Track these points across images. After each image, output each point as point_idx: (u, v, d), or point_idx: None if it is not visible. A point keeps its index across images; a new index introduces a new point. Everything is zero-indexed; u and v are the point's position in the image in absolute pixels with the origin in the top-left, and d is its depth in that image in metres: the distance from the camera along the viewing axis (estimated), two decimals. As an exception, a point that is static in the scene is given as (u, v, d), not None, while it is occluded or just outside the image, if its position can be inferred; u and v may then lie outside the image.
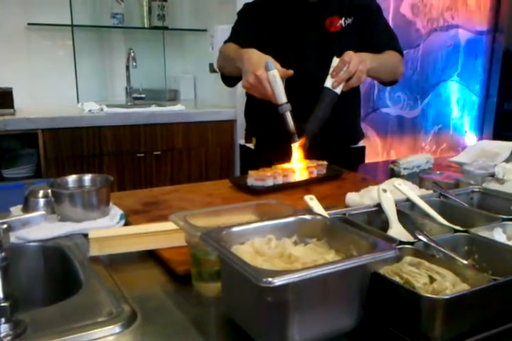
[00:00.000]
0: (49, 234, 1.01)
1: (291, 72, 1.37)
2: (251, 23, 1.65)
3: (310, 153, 1.48)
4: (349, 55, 1.36)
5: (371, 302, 0.69)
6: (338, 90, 1.38)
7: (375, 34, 1.62)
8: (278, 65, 1.35)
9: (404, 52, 3.45)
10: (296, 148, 1.43)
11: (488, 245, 0.83)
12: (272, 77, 1.32)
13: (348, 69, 1.35)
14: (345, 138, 1.69)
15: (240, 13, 1.71)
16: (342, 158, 1.62)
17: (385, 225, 0.95)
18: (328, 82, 1.38)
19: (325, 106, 1.40)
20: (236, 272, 0.62)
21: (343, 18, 1.59)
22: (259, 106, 1.65)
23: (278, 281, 0.57)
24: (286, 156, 1.46)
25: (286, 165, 1.44)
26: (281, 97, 1.35)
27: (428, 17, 4.27)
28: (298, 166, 1.44)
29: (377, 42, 1.57)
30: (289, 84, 1.37)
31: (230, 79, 1.65)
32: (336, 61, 1.37)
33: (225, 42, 1.65)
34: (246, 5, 1.72)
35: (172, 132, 2.90)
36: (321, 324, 0.64)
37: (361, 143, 3.75)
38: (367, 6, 1.64)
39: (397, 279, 0.71)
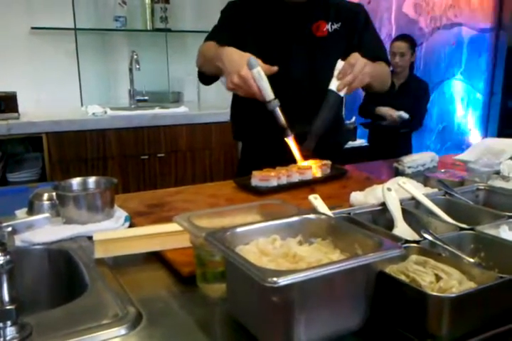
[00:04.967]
0: (54, 236, 1.01)
1: (275, 68, 1.34)
2: (233, 21, 1.60)
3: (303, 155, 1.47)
4: (355, 57, 1.35)
5: (377, 301, 0.68)
6: (342, 93, 1.37)
7: (365, 45, 1.57)
8: (260, 62, 1.32)
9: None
10: (291, 143, 1.42)
11: (494, 243, 0.82)
12: (257, 74, 1.30)
13: (352, 72, 1.33)
14: (326, 144, 1.63)
15: (223, 12, 1.67)
16: (335, 160, 1.59)
17: (390, 224, 0.95)
18: (333, 85, 1.36)
19: (330, 108, 1.38)
20: (241, 272, 0.61)
21: (330, 23, 1.56)
22: (245, 109, 1.62)
23: (283, 281, 0.56)
24: (274, 161, 1.45)
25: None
26: (269, 94, 1.33)
27: (431, 15, 4.26)
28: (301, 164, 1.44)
29: (367, 54, 1.48)
30: (275, 88, 1.34)
31: (207, 78, 1.62)
32: (340, 63, 1.36)
33: (206, 40, 1.61)
34: (230, 3, 1.67)
35: (176, 134, 2.90)
36: (327, 324, 0.64)
37: (365, 143, 3.75)
38: (354, 12, 1.60)
39: (403, 278, 0.70)
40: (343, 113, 1.79)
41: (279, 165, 1.43)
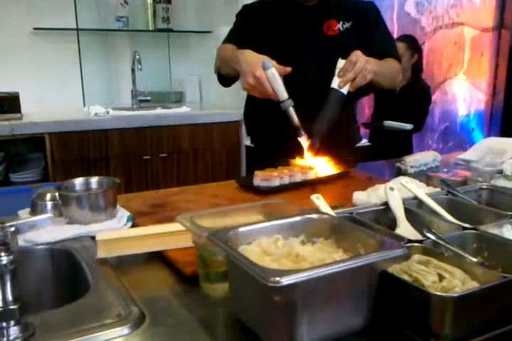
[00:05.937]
0: (57, 236, 1.01)
1: (289, 69, 1.38)
2: (249, 24, 1.65)
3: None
4: (356, 54, 1.36)
5: (380, 301, 0.68)
6: (345, 90, 1.38)
7: (375, 41, 1.60)
8: (275, 63, 1.35)
9: (409, 50, 3.43)
10: (304, 142, 1.43)
11: (497, 242, 0.82)
12: (271, 75, 1.33)
13: (353, 69, 1.35)
14: (339, 141, 1.64)
15: (238, 15, 1.71)
16: (344, 159, 1.60)
17: (393, 224, 0.94)
18: (335, 83, 1.38)
19: (332, 106, 1.40)
20: (243, 272, 0.61)
21: (341, 22, 1.59)
22: (259, 107, 1.64)
23: (286, 281, 0.56)
24: (285, 158, 1.47)
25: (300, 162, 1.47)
26: (283, 94, 1.36)
27: (433, 15, 4.25)
28: (310, 163, 1.46)
29: (376, 50, 1.54)
30: (286, 87, 1.37)
31: (227, 79, 1.64)
32: (341, 62, 1.38)
33: (223, 42, 1.65)
34: (245, 6, 1.72)
35: (178, 134, 2.90)
36: (330, 323, 0.64)
37: (367, 143, 3.75)
38: (365, 11, 1.62)
39: (405, 277, 0.70)
40: (355, 110, 1.81)
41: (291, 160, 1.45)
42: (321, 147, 1.47)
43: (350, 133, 1.75)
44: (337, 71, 1.38)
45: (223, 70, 1.60)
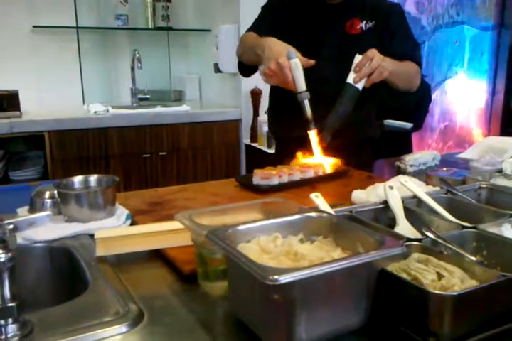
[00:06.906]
0: (55, 234, 1.01)
1: (312, 61, 1.39)
2: (273, 17, 1.67)
3: (328, 150, 1.49)
4: (372, 51, 1.38)
5: (379, 299, 0.68)
6: (360, 86, 1.39)
7: (395, 42, 1.60)
8: (299, 54, 1.37)
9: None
10: (313, 137, 1.44)
11: (496, 241, 0.82)
12: (294, 65, 1.35)
13: (370, 64, 1.36)
14: (357, 136, 1.67)
15: (264, 7, 1.73)
16: (360, 155, 1.61)
17: (392, 222, 0.94)
18: (350, 78, 1.39)
19: (346, 101, 1.41)
20: (242, 270, 0.61)
21: (364, 21, 1.59)
22: (283, 108, 1.65)
23: (284, 279, 0.56)
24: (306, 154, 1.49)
25: (306, 160, 1.48)
26: (301, 85, 1.37)
27: (433, 14, 4.25)
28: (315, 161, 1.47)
29: (396, 51, 1.55)
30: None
31: (247, 69, 1.66)
32: (358, 58, 1.39)
33: (247, 31, 1.68)
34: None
35: (177, 132, 2.90)
36: (328, 322, 0.64)
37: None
38: (389, 12, 1.62)
39: (404, 276, 0.70)
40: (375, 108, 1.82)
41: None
42: (339, 143, 1.48)
43: (370, 130, 1.76)
44: (353, 66, 1.39)
45: (244, 57, 1.62)
